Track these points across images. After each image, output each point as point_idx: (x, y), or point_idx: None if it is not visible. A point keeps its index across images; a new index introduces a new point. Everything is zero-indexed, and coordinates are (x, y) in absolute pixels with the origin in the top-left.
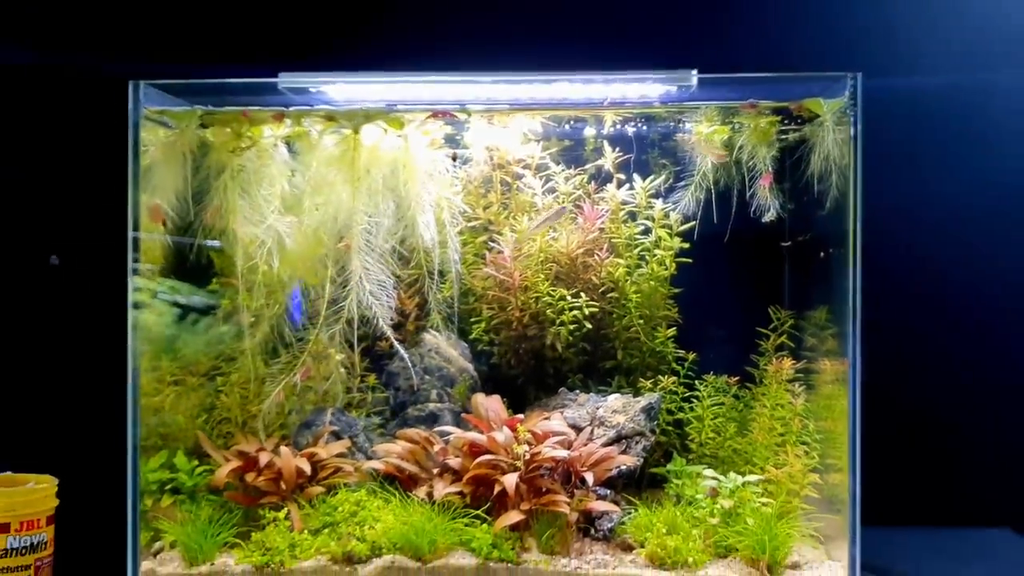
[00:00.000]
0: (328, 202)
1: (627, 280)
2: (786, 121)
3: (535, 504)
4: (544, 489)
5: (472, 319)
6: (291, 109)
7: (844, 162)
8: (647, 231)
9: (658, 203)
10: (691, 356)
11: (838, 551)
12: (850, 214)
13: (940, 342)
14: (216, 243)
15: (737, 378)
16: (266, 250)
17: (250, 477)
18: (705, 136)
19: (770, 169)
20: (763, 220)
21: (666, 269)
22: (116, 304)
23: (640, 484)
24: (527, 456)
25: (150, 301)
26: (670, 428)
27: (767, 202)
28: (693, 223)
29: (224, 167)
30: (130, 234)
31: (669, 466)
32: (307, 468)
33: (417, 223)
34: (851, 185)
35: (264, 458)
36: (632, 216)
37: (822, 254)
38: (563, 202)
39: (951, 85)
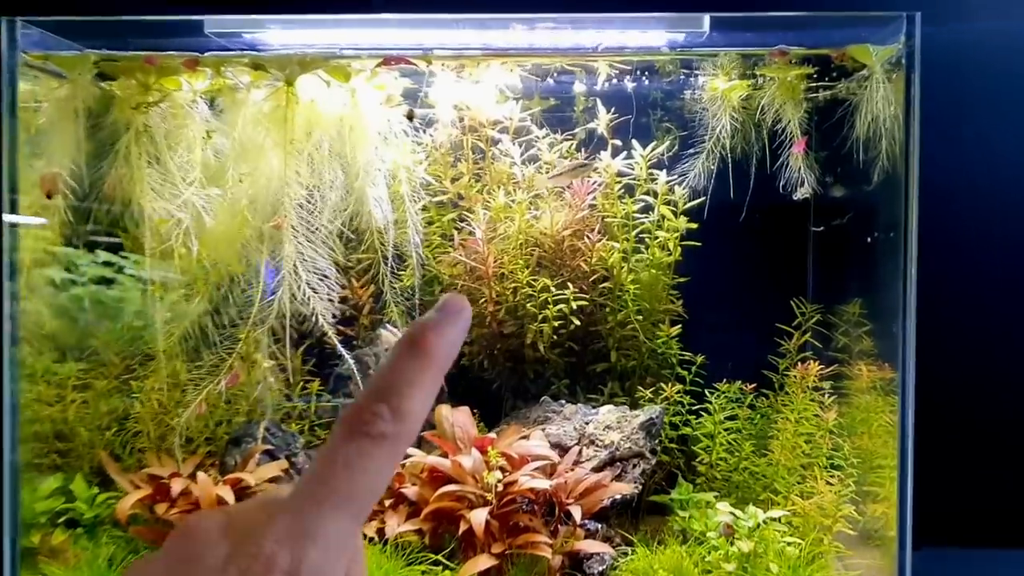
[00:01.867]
0: (257, 171)
1: (623, 267)
2: (816, 76)
3: (510, 546)
4: (521, 526)
5: None
6: (207, 55)
7: (897, 125)
8: (647, 209)
9: (661, 175)
10: (699, 359)
11: None
12: (903, 188)
13: (995, 341)
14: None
15: (754, 385)
16: (182, 230)
17: (161, 509)
18: (722, 93)
19: (801, 134)
20: (795, 197)
21: (669, 254)
22: None
23: (637, 513)
24: (500, 487)
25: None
26: (673, 446)
27: (799, 174)
28: (703, 199)
29: (127, 127)
30: (5, 211)
31: (673, 493)
32: (230, 499)
33: (367, 197)
34: (904, 152)
35: (177, 486)
36: (629, 191)
37: (869, 238)
38: (549, 175)
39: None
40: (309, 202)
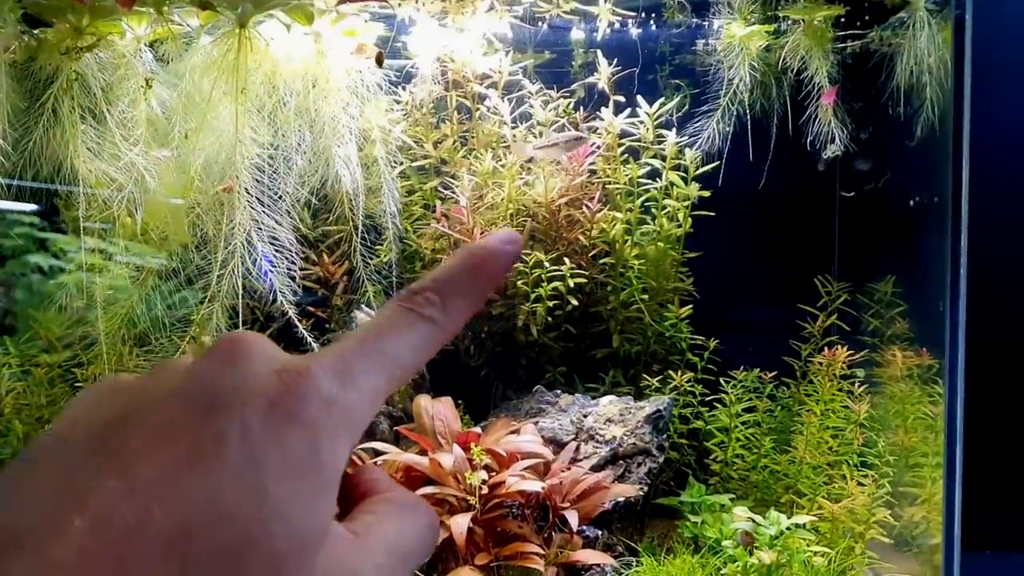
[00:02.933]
0: (205, 127)
1: (626, 240)
2: (844, 21)
3: (496, 556)
4: (509, 534)
5: None
6: None
7: (944, 71)
8: (654, 174)
9: (670, 136)
10: (712, 343)
11: None
12: (951, 143)
13: None
14: None
15: (774, 373)
16: (124, 195)
17: None
18: (739, 40)
19: (829, 83)
20: (823, 155)
21: (679, 226)
22: None
23: (643, 518)
24: (485, 489)
25: None
26: (683, 442)
27: (828, 128)
28: (717, 164)
29: (57, 76)
30: None
31: (684, 496)
32: None
33: (332, 158)
34: (954, 100)
35: None
36: (634, 154)
37: (911, 202)
38: (543, 136)
39: None
40: (269, 164)
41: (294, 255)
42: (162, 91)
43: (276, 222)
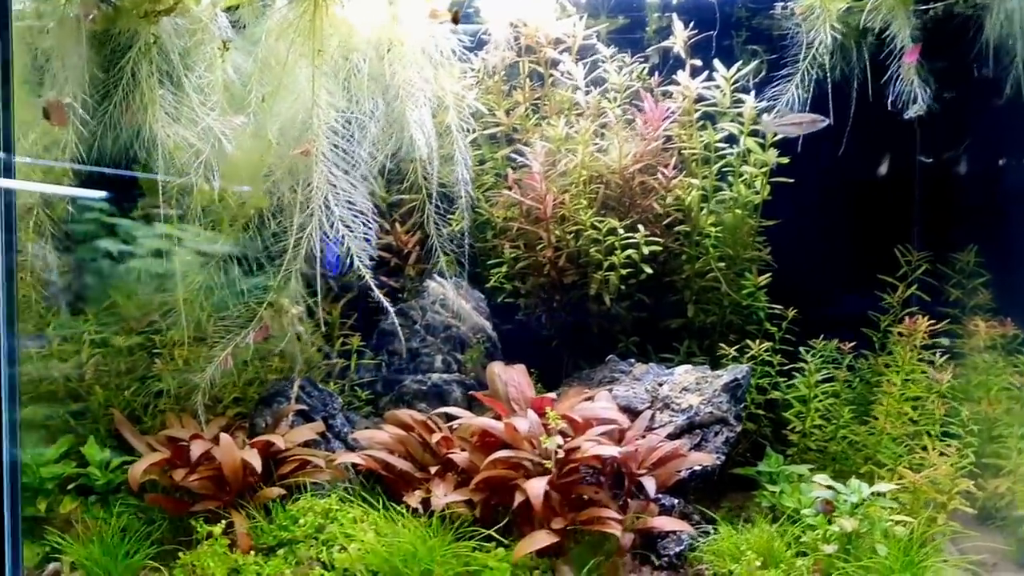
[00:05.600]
0: (282, 89)
1: (702, 208)
2: None
3: (572, 521)
4: (585, 499)
5: (491, 261)
6: None
7: None
8: (731, 140)
9: (748, 100)
10: (790, 313)
11: None
12: None
13: None
14: None
15: (853, 344)
16: (202, 160)
17: (178, 475)
18: (820, 2)
19: (912, 43)
20: (905, 116)
21: (756, 193)
22: None
23: (720, 489)
24: (560, 453)
25: None
26: (760, 412)
27: (912, 88)
28: None
29: (135, 41)
30: None
31: (761, 466)
32: (257, 464)
33: (407, 122)
34: None
35: (197, 448)
36: (711, 119)
37: (1000, 162)
38: (617, 101)
39: None
40: (345, 128)
41: (369, 219)
42: (237, 56)
43: (352, 186)
